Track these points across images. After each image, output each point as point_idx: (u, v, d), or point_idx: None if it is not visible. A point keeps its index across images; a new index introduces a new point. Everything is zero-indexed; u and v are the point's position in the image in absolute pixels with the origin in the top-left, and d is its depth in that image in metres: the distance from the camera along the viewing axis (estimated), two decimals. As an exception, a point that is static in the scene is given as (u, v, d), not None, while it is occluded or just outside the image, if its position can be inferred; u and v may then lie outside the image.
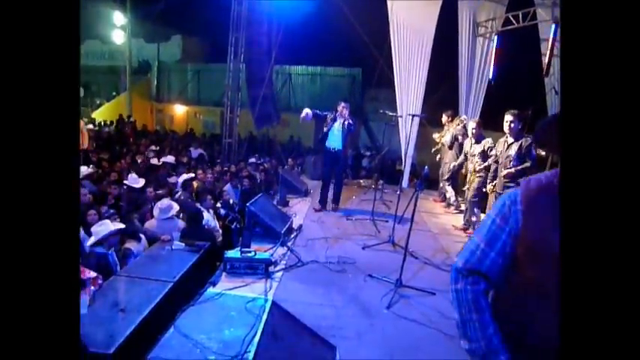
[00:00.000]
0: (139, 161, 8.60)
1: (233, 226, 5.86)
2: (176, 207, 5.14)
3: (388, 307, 3.60)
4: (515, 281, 1.22)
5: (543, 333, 1.12)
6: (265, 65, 11.37)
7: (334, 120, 6.31)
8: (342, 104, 6.30)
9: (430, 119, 8.69)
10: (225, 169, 8.67)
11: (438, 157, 7.82)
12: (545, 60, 8.08)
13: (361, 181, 9.68)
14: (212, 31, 17.03)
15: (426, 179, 4.27)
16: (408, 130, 7.50)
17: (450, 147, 7.24)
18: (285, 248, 4.72)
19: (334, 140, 6.34)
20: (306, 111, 6.27)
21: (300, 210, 6.61)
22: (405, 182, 8.66)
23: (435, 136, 7.89)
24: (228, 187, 7.37)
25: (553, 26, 7.80)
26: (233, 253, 4.03)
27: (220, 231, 5.84)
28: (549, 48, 7.91)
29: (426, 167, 4.08)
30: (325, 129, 6.39)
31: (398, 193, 5.79)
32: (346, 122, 6.25)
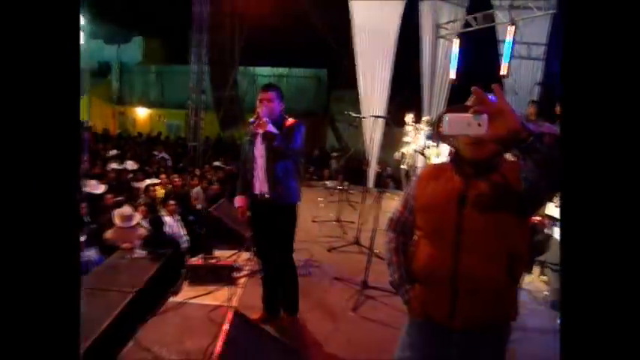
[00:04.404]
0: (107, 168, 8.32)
1: (202, 232, 5.74)
2: (138, 217, 5.00)
3: (354, 310, 3.61)
4: (414, 229, 1.70)
5: (421, 261, 1.61)
6: (229, 67, 11.26)
7: (251, 142, 3.15)
8: (261, 110, 2.98)
9: (394, 119, 8.81)
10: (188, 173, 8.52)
11: (405, 164, 7.88)
12: (503, 61, 8.32)
13: (327, 182, 9.71)
14: (174, 32, 16.74)
15: (392, 178, 4.32)
16: (372, 131, 7.55)
17: (422, 152, 7.33)
18: (250, 253, 4.67)
19: (259, 180, 3.12)
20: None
21: (266, 213, 6.55)
22: (370, 183, 8.74)
23: (403, 150, 7.94)
24: (198, 190, 7.23)
25: (510, 28, 8.05)
26: (195, 260, 3.95)
27: (186, 237, 5.73)
28: (506, 49, 8.16)
29: (389, 168, 4.12)
30: (241, 157, 3.34)
31: (363, 193, 5.83)
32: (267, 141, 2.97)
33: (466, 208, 1.49)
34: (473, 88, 1.26)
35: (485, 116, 1.18)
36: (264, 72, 17.93)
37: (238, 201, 3.32)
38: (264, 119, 2.87)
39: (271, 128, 2.87)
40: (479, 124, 1.19)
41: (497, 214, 1.46)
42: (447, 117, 1.23)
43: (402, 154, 7.94)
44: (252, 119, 3.00)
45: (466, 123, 1.20)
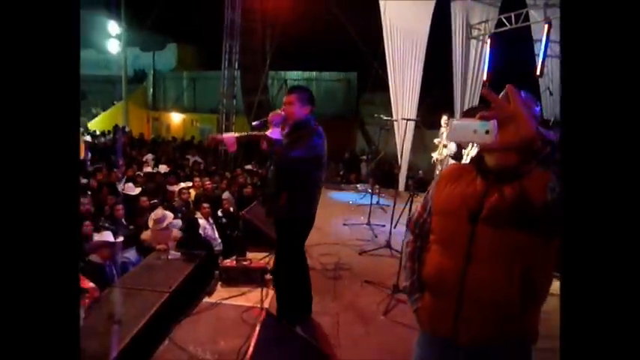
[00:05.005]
0: (139, 171, 8.59)
1: (234, 234, 5.83)
2: (170, 217, 5.12)
3: (385, 314, 3.59)
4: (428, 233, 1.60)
5: (431, 268, 1.53)
6: (260, 72, 11.42)
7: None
8: (272, 114, 2.96)
9: (425, 121, 8.71)
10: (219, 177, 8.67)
11: (439, 168, 7.78)
12: (539, 61, 8.12)
13: (358, 185, 9.68)
14: (207, 38, 17.11)
15: (421, 182, 4.27)
16: (403, 134, 7.47)
17: (456, 157, 7.20)
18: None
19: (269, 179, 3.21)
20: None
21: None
22: (401, 186, 8.66)
23: (434, 155, 7.85)
24: (227, 195, 7.34)
25: (545, 27, 7.84)
26: (228, 262, 4.02)
27: (219, 239, 5.82)
28: (542, 49, 7.95)
29: (420, 171, 4.08)
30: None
31: (394, 197, 5.79)
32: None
33: (481, 215, 1.38)
34: (483, 90, 1.20)
35: (493, 123, 1.06)
36: (294, 76, 18.09)
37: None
38: (273, 123, 2.82)
39: (275, 133, 2.79)
40: (486, 132, 1.06)
41: (516, 223, 1.33)
42: (453, 123, 1.14)
43: (436, 158, 7.84)
44: (255, 122, 3.00)
45: (472, 130, 1.08)
